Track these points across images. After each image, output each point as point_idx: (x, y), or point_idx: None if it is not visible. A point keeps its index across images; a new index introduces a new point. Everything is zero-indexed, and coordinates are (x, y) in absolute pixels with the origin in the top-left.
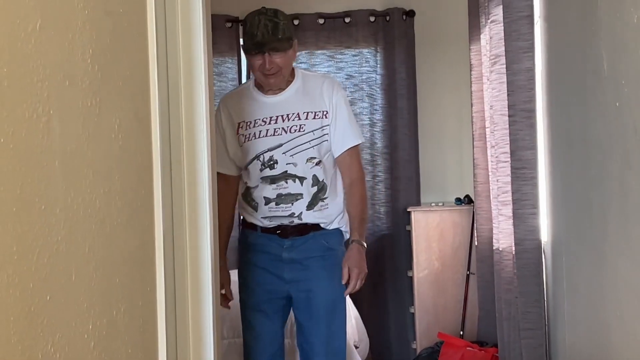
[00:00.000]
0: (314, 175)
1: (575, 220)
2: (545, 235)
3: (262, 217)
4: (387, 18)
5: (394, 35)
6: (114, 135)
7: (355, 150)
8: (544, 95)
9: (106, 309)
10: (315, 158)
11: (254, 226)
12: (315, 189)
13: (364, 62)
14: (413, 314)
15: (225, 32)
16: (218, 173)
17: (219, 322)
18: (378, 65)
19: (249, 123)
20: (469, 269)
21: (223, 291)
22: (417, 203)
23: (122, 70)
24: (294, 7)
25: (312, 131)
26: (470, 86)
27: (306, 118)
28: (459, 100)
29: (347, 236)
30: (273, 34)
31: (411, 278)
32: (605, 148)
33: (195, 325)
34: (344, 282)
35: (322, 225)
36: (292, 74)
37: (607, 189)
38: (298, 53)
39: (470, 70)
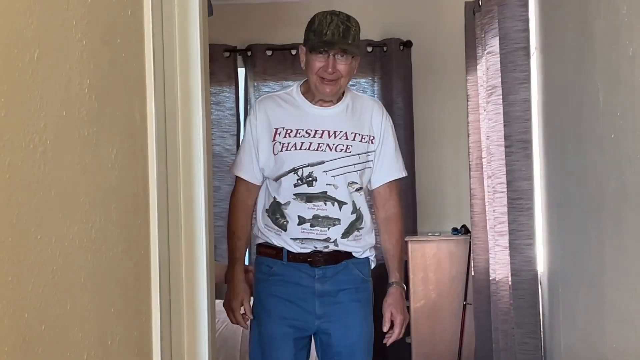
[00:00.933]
0: (354, 202)
1: (572, 252)
2: (541, 266)
3: (291, 239)
4: (385, 48)
5: (391, 65)
6: (110, 165)
7: (396, 184)
8: (541, 126)
9: (101, 339)
10: (356, 183)
11: (277, 254)
12: (353, 216)
13: (362, 92)
14: (410, 344)
15: (223, 61)
16: (239, 179)
17: (215, 354)
18: (375, 95)
19: (289, 131)
20: (465, 299)
21: (242, 310)
22: (414, 233)
23: (119, 100)
24: (295, 36)
25: (358, 154)
26: (467, 116)
27: (353, 139)
28: (456, 130)
29: (372, 265)
30: (344, 37)
31: (408, 308)
32: (602, 180)
33: (191, 357)
34: (385, 329)
35: (354, 254)
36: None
37: (604, 220)
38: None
39: (467, 101)
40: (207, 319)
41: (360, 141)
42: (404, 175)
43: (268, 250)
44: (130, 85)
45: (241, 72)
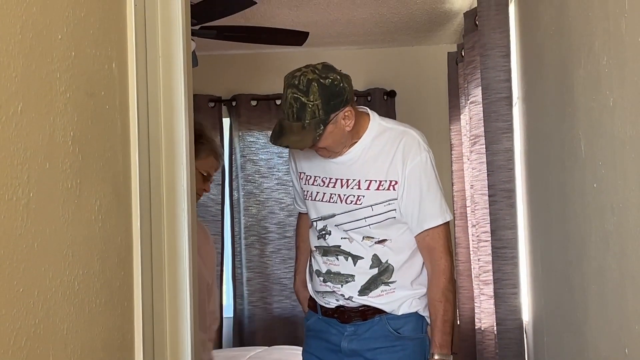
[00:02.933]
0: (375, 255)
1: (556, 300)
2: (527, 314)
3: (315, 291)
4: (369, 98)
5: None
6: (94, 217)
7: (437, 231)
8: (524, 175)
9: None
10: (373, 238)
11: (314, 306)
12: (374, 271)
13: None
14: None
15: (208, 111)
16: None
17: None
18: None
19: (308, 178)
20: (451, 349)
21: None
22: None
23: (103, 152)
24: (279, 86)
25: (371, 206)
26: (451, 165)
27: (367, 188)
28: (440, 179)
29: (427, 320)
30: (298, 118)
31: None
32: (584, 229)
33: None
34: None
35: (385, 309)
36: (363, 125)
37: (587, 269)
38: None
39: (451, 150)
40: None
41: (377, 189)
42: (443, 220)
43: (310, 302)
44: (114, 137)
45: (226, 121)
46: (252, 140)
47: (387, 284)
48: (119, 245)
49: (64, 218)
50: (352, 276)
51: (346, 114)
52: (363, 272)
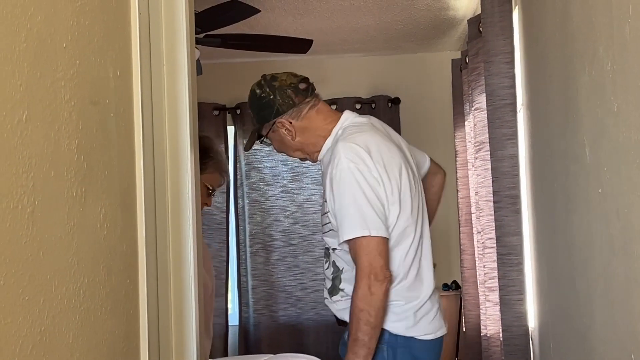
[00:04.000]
0: (333, 261)
1: (562, 306)
2: (532, 321)
3: None
4: (373, 105)
5: None
6: (99, 225)
7: (356, 245)
8: (529, 182)
9: None
10: (327, 246)
11: None
12: (333, 276)
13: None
14: None
15: (212, 119)
16: None
17: None
18: None
19: None
20: (457, 355)
21: None
22: None
23: (108, 160)
24: None
25: (323, 214)
26: (456, 172)
27: (324, 197)
28: (445, 186)
29: (385, 330)
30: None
31: None
32: (589, 234)
33: None
34: None
35: (340, 317)
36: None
37: (592, 275)
38: None
39: (456, 157)
40: None
41: (324, 200)
42: (355, 235)
43: None
44: (119, 145)
45: (230, 130)
46: (256, 148)
47: (341, 290)
48: (124, 253)
49: (69, 226)
50: (324, 280)
51: (280, 124)
52: (327, 277)
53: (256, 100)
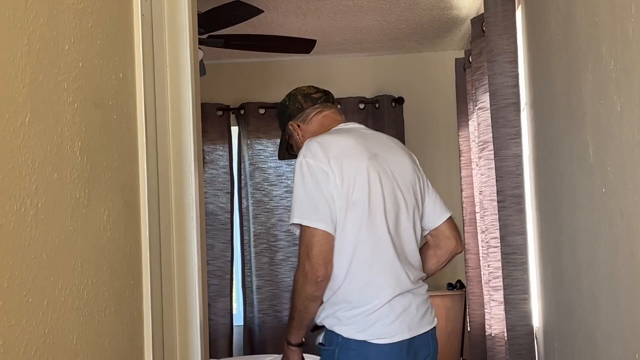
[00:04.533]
0: None
1: (567, 306)
2: (537, 320)
3: None
4: (377, 105)
5: (383, 121)
6: (102, 227)
7: (300, 232)
8: (532, 181)
9: None
10: None
11: None
12: None
13: None
14: None
15: (216, 120)
16: None
17: None
18: None
19: None
20: (462, 355)
21: None
22: None
23: (111, 162)
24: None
25: None
26: (460, 171)
27: None
28: (449, 186)
29: (336, 333)
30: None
31: None
32: (594, 233)
33: None
34: None
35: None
36: None
37: (597, 274)
38: None
39: (459, 156)
40: None
41: None
42: (293, 221)
43: None
44: (122, 147)
45: (234, 130)
46: (260, 148)
47: None
48: (128, 255)
49: (72, 228)
50: None
51: (292, 127)
52: None
53: (279, 109)
